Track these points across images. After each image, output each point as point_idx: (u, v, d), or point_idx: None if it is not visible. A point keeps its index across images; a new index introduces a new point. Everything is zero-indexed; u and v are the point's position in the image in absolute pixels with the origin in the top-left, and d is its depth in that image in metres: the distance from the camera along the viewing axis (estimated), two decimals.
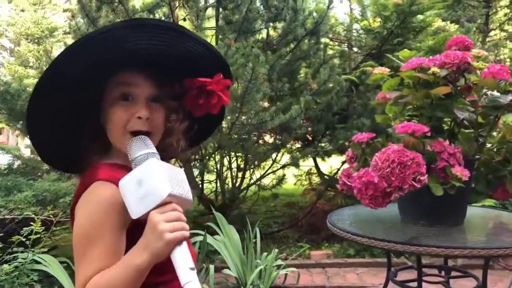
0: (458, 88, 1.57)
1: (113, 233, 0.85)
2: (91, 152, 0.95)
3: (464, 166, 1.54)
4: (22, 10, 24.52)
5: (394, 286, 1.85)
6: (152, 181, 0.80)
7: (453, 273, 2.11)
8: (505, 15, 7.08)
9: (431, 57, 1.69)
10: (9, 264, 2.33)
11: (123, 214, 0.83)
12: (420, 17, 5.06)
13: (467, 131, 1.70)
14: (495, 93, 1.61)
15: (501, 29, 7.21)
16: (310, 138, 5.32)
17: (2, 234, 2.52)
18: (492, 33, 7.35)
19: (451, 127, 1.67)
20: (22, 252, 2.51)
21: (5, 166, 3.39)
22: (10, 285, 2.32)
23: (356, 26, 5.57)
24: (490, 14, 7.08)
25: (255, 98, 2.95)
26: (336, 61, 5.92)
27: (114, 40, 0.86)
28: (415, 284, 1.82)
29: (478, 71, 1.61)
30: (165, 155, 0.95)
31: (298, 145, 5.49)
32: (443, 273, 2.07)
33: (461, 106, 1.55)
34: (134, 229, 0.85)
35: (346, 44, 5.59)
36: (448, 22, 7.88)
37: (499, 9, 7.00)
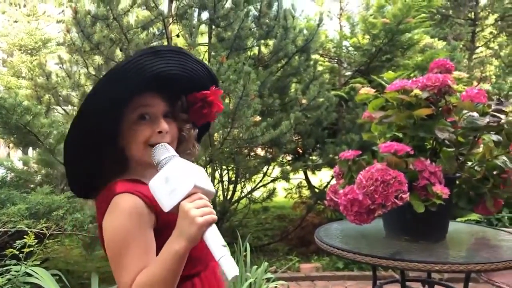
0: (440, 109, 1.64)
1: (141, 234, 0.94)
2: (111, 174, 1.03)
3: (445, 184, 1.60)
4: (16, 21, 24.53)
5: None
6: (178, 176, 0.89)
7: (437, 287, 2.16)
8: (491, 33, 7.25)
9: (415, 78, 1.77)
10: (2, 277, 2.34)
11: (146, 216, 0.94)
12: (408, 35, 5.17)
13: (449, 149, 1.77)
14: (475, 114, 1.68)
15: (487, 47, 7.37)
16: (301, 152, 5.39)
17: None
18: (478, 50, 7.51)
19: (433, 146, 1.74)
20: (14, 265, 2.53)
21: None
22: None
23: (345, 43, 5.68)
24: (476, 32, 7.24)
25: (246, 114, 3.02)
26: (327, 76, 6.05)
27: (136, 70, 0.96)
28: None
29: (458, 94, 1.69)
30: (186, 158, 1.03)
31: (289, 158, 5.57)
32: (427, 287, 2.12)
33: (442, 127, 1.62)
34: (163, 229, 0.95)
35: (336, 60, 5.69)
36: (436, 39, 8.04)
37: (485, 27, 7.16)
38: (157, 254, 0.92)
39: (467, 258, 1.66)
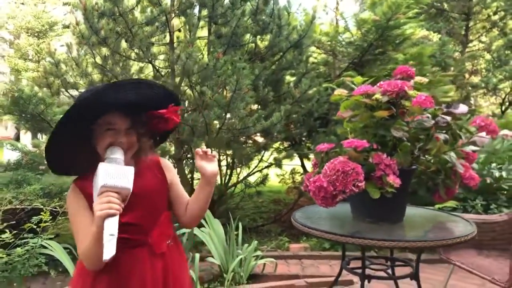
0: (397, 111, 1.91)
1: (82, 217, 1.29)
2: (83, 162, 1.37)
3: (401, 174, 1.88)
4: (22, 3, 24.61)
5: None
6: (97, 177, 1.20)
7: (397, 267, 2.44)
8: (483, 27, 7.42)
9: (381, 82, 2.03)
10: (22, 248, 2.65)
11: (84, 204, 1.31)
12: (398, 30, 5.37)
13: (409, 144, 2.04)
14: (429, 116, 1.94)
15: (480, 41, 7.56)
16: (297, 140, 5.67)
17: (14, 222, 2.83)
18: (471, 44, 7.70)
19: (394, 142, 2.01)
20: (31, 238, 2.84)
21: (14, 161, 3.70)
22: (22, 265, 2.65)
23: (339, 37, 5.89)
24: (470, 26, 7.42)
25: (239, 107, 3.29)
26: (322, 68, 6.28)
27: (101, 98, 1.28)
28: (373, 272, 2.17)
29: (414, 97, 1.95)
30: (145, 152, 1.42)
31: (286, 145, 5.85)
32: (389, 262, 2.41)
33: (398, 126, 1.88)
34: None
35: (331, 53, 5.90)
36: (432, 32, 8.23)
37: (478, 21, 7.33)
38: None
39: (418, 237, 1.94)
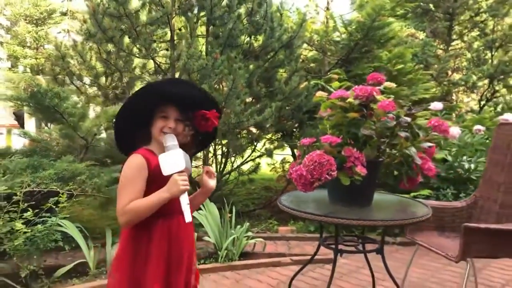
0: (366, 113, 2.25)
1: (136, 181, 1.56)
2: (142, 141, 1.68)
3: (367, 166, 2.22)
4: None
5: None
6: (177, 159, 1.53)
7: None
8: (466, 27, 7.74)
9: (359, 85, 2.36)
10: (42, 225, 2.98)
11: (142, 170, 1.56)
12: (382, 31, 5.67)
13: (377, 140, 2.38)
14: (391, 117, 2.28)
15: (462, 40, 7.89)
16: (288, 132, 6.00)
17: (33, 203, 3.15)
18: (454, 43, 8.02)
19: (364, 138, 2.35)
20: (48, 217, 3.17)
21: (29, 148, 4.01)
22: (41, 240, 2.98)
23: (328, 36, 6.20)
24: (453, 25, 7.74)
25: (235, 103, 3.61)
26: (312, 64, 6.60)
27: (161, 90, 1.65)
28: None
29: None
30: (186, 149, 1.67)
31: (278, 136, 6.19)
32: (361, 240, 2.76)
33: (367, 125, 2.22)
34: (150, 183, 1.57)
35: (321, 50, 6.21)
36: (418, 30, 8.56)
37: (461, 21, 7.66)
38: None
39: (382, 217, 2.28)
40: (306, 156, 2.15)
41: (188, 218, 1.49)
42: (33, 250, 3.00)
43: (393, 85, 2.52)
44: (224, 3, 4.13)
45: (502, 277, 3.54)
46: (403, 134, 2.24)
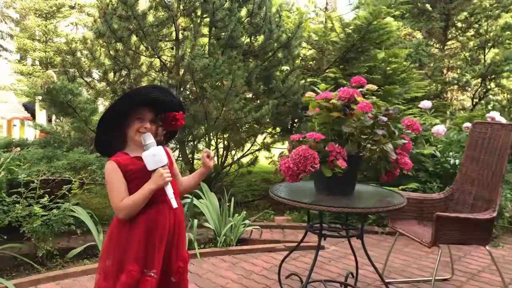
0: (347, 113, 2.49)
1: (116, 181, 1.76)
2: (118, 146, 1.88)
3: (348, 159, 2.46)
4: None
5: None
6: (160, 155, 1.75)
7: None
8: (461, 28, 7.93)
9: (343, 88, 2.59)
10: (57, 209, 3.26)
11: (117, 173, 1.75)
12: (378, 32, 5.88)
13: (364, 136, 2.62)
14: (372, 116, 2.52)
15: (457, 40, 8.08)
16: (287, 127, 6.24)
17: (48, 190, 3.42)
18: (450, 43, 8.22)
19: (347, 135, 2.59)
20: (62, 203, 3.44)
21: (42, 140, 4.29)
22: (56, 223, 3.25)
23: (327, 36, 6.42)
24: (449, 26, 7.92)
25: (234, 100, 3.85)
26: (311, 62, 6.83)
27: (138, 95, 1.86)
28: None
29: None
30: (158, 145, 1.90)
31: (278, 130, 6.44)
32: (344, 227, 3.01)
33: (348, 124, 2.47)
34: (128, 180, 1.78)
35: (319, 49, 6.43)
36: (415, 29, 8.76)
37: (456, 22, 7.84)
38: (130, 194, 1.77)
39: (360, 205, 2.53)
40: (293, 150, 2.40)
41: (174, 204, 1.73)
42: (49, 233, 3.26)
43: (374, 87, 2.76)
44: (225, 6, 4.36)
45: (479, 264, 3.78)
46: (380, 132, 2.48)
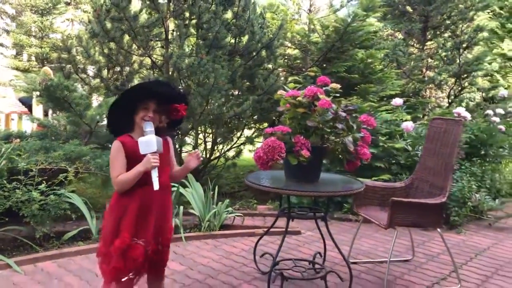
0: (311, 109, 2.78)
1: (119, 158, 2.04)
2: (126, 128, 2.15)
3: (313, 150, 2.75)
4: None
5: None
6: (152, 143, 2.00)
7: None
8: (439, 29, 8.24)
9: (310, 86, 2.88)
10: (53, 195, 3.53)
11: (120, 152, 2.04)
12: (356, 34, 6.18)
13: (328, 130, 2.91)
14: (332, 112, 2.81)
15: (435, 41, 8.39)
16: (273, 122, 6.52)
17: (46, 178, 3.68)
18: (429, 43, 8.54)
19: (313, 129, 2.88)
20: (58, 189, 3.71)
21: (40, 132, 4.56)
22: (53, 208, 3.52)
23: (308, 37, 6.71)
24: (428, 27, 8.25)
25: (217, 96, 4.13)
26: (295, 62, 7.12)
27: (144, 88, 2.14)
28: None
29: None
30: (161, 132, 2.17)
31: (265, 125, 6.72)
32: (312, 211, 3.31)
33: (312, 119, 2.76)
34: (128, 160, 2.05)
35: (302, 50, 6.71)
36: (395, 30, 9.08)
37: (435, 23, 8.16)
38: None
39: (322, 190, 2.82)
40: (264, 141, 2.70)
41: (156, 187, 1.99)
42: (46, 216, 3.53)
43: (337, 86, 3.04)
44: (211, 8, 4.63)
45: (440, 248, 4.09)
46: (340, 125, 2.78)
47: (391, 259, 3.67)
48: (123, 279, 2.03)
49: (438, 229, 3.21)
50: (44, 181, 3.62)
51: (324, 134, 2.87)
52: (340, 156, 2.99)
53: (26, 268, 3.20)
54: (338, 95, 2.99)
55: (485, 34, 7.84)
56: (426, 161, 3.56)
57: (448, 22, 8.04)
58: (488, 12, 10.65)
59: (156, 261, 2.18)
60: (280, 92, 3.03)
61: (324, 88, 2.94)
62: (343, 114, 2.78)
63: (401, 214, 3.04)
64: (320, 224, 3.19)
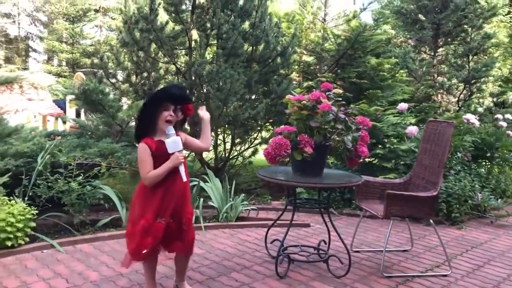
0: (314, 111, 3.12)
1: (147, 158, 2.39)
2: (151, 132, 2.51)
3: (316, 147, 3.09)
4: None
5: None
6: (178, 143, 2.40)
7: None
8: (449, 36, 8.43)
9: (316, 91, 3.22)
10: (89, 186, 3.96)
11: (147, 152, 2.39)
12: (367, 42, 6.46)
13: (331, 130, 3.24)
14: (333, 114, 3.14)
15: (446, 48, 8.59)
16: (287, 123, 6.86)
17: (83, 171, 4.12)
18: (440, 49, 8.74)
19: (317, 129, 3.21)
20: (93, 181, 4.13)
21: (76, 132, 5.03)
22: (89, 197, 3.95)
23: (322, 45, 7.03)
24: (439, 34, 8.45)
25: (233, 100, 4.50)
26: (310, 68, 7.44)
27: (166, 93, 2.52)
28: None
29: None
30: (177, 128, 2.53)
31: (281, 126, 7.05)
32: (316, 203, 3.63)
33: (315, 120, 3.10)
34: (157, 158, 2.41)
35: (317, 56, 7.03)
36: (409, 37, 9.30)
37: (445, 31, 8.35)
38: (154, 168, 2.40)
39: (325, 182, 3.16)
40: (272, 139, 3.05)
41: (184, 178, 2.40)
42: (83, 205, 3.96)
43: (339, 91, 3.37)
44: (230, 20, 5.01)
45: (439, 241, 4.35)
46: (339, 126, 3.11)
47: (391, 250, 3.98)
48: (143, 251, 2.40)
49: (431, 220, 3.50)
50: (81, 174, 4.04)
51: (326, 133, 3.20)
52: (341, 153, 3.32)
53: (66, 248, 3.62)
54: (340, 99, 3.31)
55: (493, 40, 8.01)
56: (423, 160, 3.84)
57: (458, 29, 8.23)
58: (502, 21, 10.76)
59: (180, 238, 2.55)
60: (287, 96, 3.37)
61: (327, 93, 3.27)
62: (342, 116, 3.10)
63: (396, 206, 3.33)
64: (327, 219, 3.51)
